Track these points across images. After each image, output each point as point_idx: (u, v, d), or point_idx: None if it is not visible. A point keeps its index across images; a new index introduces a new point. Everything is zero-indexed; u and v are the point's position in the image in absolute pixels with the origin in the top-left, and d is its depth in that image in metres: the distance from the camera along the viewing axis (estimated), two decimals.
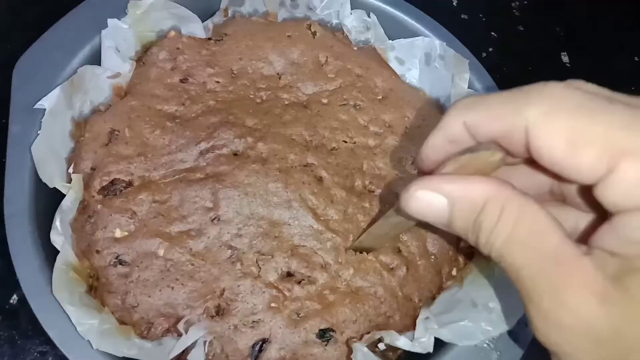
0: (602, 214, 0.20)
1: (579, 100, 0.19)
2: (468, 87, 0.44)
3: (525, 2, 0.64)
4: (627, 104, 0.19)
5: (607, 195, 0.19)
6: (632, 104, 0.19)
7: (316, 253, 0.37)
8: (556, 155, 0.20)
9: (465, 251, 0.41)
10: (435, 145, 0.25)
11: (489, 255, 0.22)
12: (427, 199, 0.23)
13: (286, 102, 0.43)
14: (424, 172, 0.27)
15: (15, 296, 0.40)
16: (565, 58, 0.61)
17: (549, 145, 0.20)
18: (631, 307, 0.19)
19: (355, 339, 0.35)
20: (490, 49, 0.60)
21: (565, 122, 0.19)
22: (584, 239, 0.22)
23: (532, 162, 0.22)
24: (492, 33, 0.61)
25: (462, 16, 0.62)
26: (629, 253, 0.19)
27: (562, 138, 0.19)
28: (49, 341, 0.38)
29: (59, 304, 0.31)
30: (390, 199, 0.40)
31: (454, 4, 0.63)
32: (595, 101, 0.19)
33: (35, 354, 0.38)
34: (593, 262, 0.20)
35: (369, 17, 0.47)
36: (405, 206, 0.24)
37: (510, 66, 0.58)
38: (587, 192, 0.21)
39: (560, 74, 0.60)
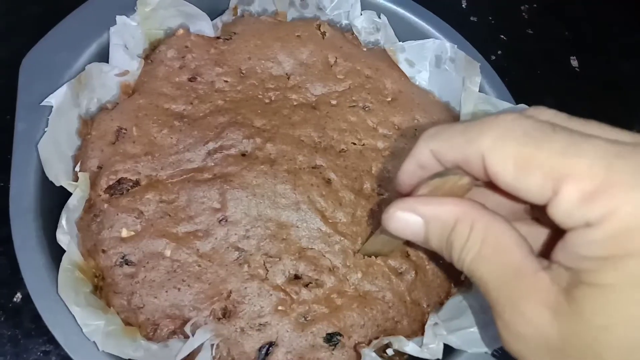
0: (561, 231, 0.22)
1: (526, 129, 0.21)
2: (479, 91, 0.43)
3: (535, 5, 0.64)
4: (569, 131, 0.21)
5: (555, 215, 0.21)
6: (573, 131, 0.21)
7: (324, 256, 0.37)
8: (508, 179, 0.22)
9: None
10: (409, 171, 0.28)
11: (462, 271, 0.25)
12: (404, 219, 0.26)
13: (295, 103, 0.43)
14: (401, 194, 0.29)
15: (18, 294, 0.40)
16: (574, 62, 0.61)
17: (501, 170, 0.22)
18: (578, 319, 0.20)
19: (362, 344, 0.35)
20: (499, 52, 0.59)
21: (513, 148, 0.21)
22: (549, 254, 0.23)
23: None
24: (501, 36, 0.61)
25: (472, 18, 0.62)
26: (579, 267, 0.20)
27: (511, 163, 0.21)
28: (52, 340, 0.38)
29: (64, 304, 0.31)
30: None
31: (463, 5, 0.62)
32: (541, 130, 0.21)
33: (39, 353, 0.38)
34: (550, 275, 0.21)
35: (379, 18, 0.46)
36: (386, 226, 0.27)
37: (518, 70, 0.58)
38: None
39: (569, 78, 0.60)
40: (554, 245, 0.22)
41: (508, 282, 0.22)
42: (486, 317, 0.34)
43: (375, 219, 0.39)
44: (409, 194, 0.27)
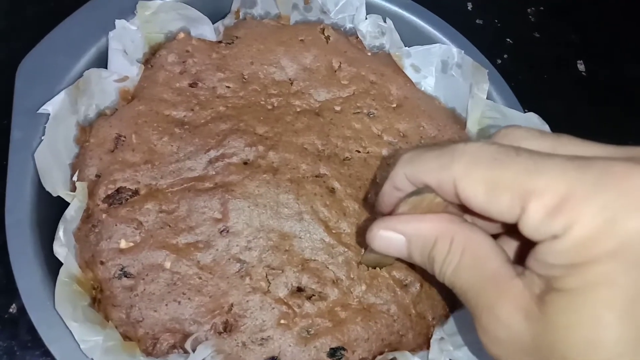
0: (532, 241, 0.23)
1: (492, 154, 0.23)
2: (486, 98, 0.42)
3: (541, 8, 0.63)
4: (531, 152, 0.23)
5: (525, 230, 0.22)
6: (535, 152, 0.23)
7: (327, 267, 0.36)
8: (479, 202, 0.23)
9: None
10: (387, 193, 0.29)
11: (444, 284, 0.26)
12: (387, 238, 0.27)
13: (298, 109, 0.42)
14: (382, 214, 0.31)
15: (14, 305, 0.39)
16: (581, 66, 0.60)
17: (472, 194, 0.23)
18: (546, 321, 0.21)
19: (367, 359, 0.34)
20: (505, 56, 0.58)
21: (482, 173, 0.23)
22: (523, 262, 0.25)
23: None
24: (507, 39, 0.60)
25: (477, 21, 0.60)
26: (549, 274, 0.22)
27: (481, 187, 0.23)
28: (48, 353, 0.36)
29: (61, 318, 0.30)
30: None
31: (468, 8, 0.61)
32: (505, 153, 0.23)
33: None
34: (523, 282, 0.23)
35: (385, 22, 0.45)
36: (371, 244, 0.28)
37: (525, 74, 0.57)
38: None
39: (575, 83, 0.59)
40: (527, 253, 0.23)
41: (485, 288, 0.24)
42: None
43: None
44: (390, 214, 0.29)
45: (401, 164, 0.27)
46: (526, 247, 0.26)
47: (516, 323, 0.22)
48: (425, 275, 0.37)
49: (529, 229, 0.22)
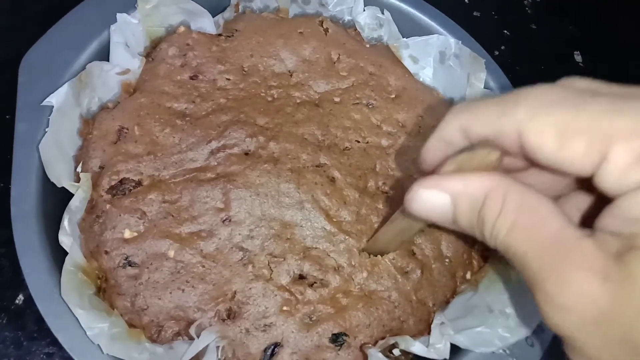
0: (604, 199, 0.21)
1: (563, 95, 0.20)
2: (484, 87, 0.43)
3: (538, 0, 0.63)
4: (611, 94, 0.20)
5: (605, 182, 0.20)
6: (614, 94, 0.20)
7: (329, 255, 0.36)
8: (549, 150, 0.21)
9: (479, 254, 0.40)
10: (433, 148, 0.26)
11: (495, 248, 0.23)
12: (430, 198, 0.24)
13: (298, 101, 0.42)
14: (425, 174, 0.27)
15: (21, 296, 0.39)
16: (578, 57, 0.60)
17: (540, 142, 0.21)
18: (632, 283, 0.19)
19: (368, 344, 0.35)
20: (503, 47, 0.59)
21: (552, 117, 0.20)
22: (589, 224, 0.22)
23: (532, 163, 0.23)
24: (505, 31, 0.60)
25: (475, 13, 0.61)
26: (630, 232, 0.20)
27: (551, 132, 0.20)
28: (55, 342, 0.37)
29: (68, 307, 0.30)
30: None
31: (466, 0, 0.62)
32: (579, 96, 0.20)
33: (42, 355, 0.37)
34: (595, 242, 0.20)
35: (383, 14, 0.46)
36: (409, 207, 0.25)
37: (522, 65, 0.57)
38: (587, 181, 0.21)
39: (573, 74, 0.60)
40: (595, 216, 0.21)
41: (549, 251, 0.21)
42: (493, 316, 0.34)
43: (380, 217, 0.38)
44: (431, 173, 0.26)
45: (454, 113, 0.24)
46: (591, 210, 0.24)
47: (591, 287, 0.19)
48: (426, 262, 0.38)
49: (610, 178, 0.19)
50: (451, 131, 0.25)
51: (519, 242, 0.21)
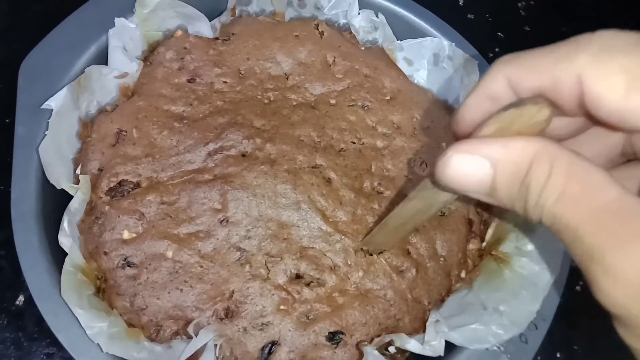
0: None
1: (631, 40, 0.18)
2: None
3: (532, 2, 0.64)
4: None
5: None
6: None
7: (325, 255, 0.37)
8: (614, 100, 0.18)
9: (474, 253, 0.41)
10: (474, 104, 0.23)
11: (539, 221, 0.21)
12: (466, 164, 0.21)
13: (294, 103, 0.43)
14: (459, 137, 0.24)
15: (21, 297, 0.40)
16: None
17: (605, 90, 0.18)
18: None
19: (365, 342, 0.35)
20: (497, 49, 0.59)
21: (620, 62, 0.18)
22: None
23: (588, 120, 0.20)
24: (499, 33, 0.61)
25: (469, 16, 0.62)
26: None
27: (619, 80, 0.18)
28: (55, 343, 0.38)
29: (68, 306, 0.31)
30: (399, 201, 0.40)
31: (460, 3, 0.62)
32: None
33: (42, 355, 0.38)
34: None
35: (377, 17, 0.47)
36: (442, 174, 0.22)
37: None
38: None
39: None
40: None
41: (606, 222, 0.19)
42: (487, 313, 0.35)
43: (376, 217, 0.39)
44: (467, 137, 0.23)
45: (501, 63, 0.22)
46: None
47: None
48: (421, 261, 0.38)
49: None
50: (496, 84, 0.22)
51: (570, 213, 0.19)
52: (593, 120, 0.20)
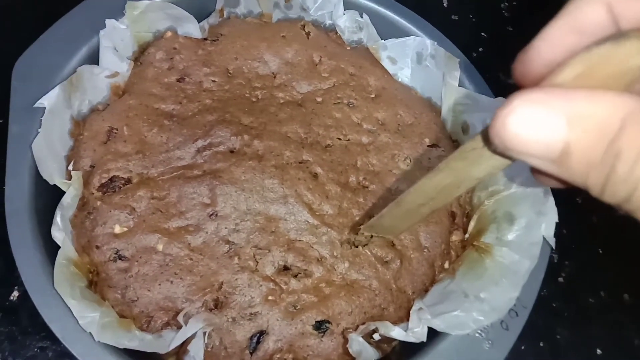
0: None
1: None
2: (458, 85, 0.45)
3: (514, 3, 0.66)
4: None
5: None
6: None
7: (312, 247, 0.38)
8: None
9: (456, 245, 0.42)
10: (554, 38, 0.18)
11: (624, 200, 0.16)
12: (535, 119, 0.16)
13: (281, 101, 0.44)
14: (525, 83, 0.20)
15: (15, 293, 0.40)
16: None
17: None
18: None
19: (350, 330, 0.36)
20: (480, 49, 0.61)
21: None
22: None
23: None
24: (482, 33, 0.63)
25: (453, 17, 0.63)
26: None
27: None
28: (48, 337, 0.39)
29: (61, 298, 0.32)
30: (383, 194, 0.41)
31: (444, 4, 0.64)
32: None
33: (36, 349, 0.39)
34: None
35: (362, 17, 0.48)
36: (501, 129, 0.16)
37: (500, 66, 0.59)
38: None
39: None
40: None
41: None
42: (469, 301, 0.36)
43: (362, 211, 0.40)
44: (534, 84, 0.18)
45: None
46: None
47: None
48: (405, 253, 0.40)
49: None
50: (592, 11, 0.17)
51: None
52: None
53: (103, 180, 0.38)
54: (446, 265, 0.41)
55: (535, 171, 0.19)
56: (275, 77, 0.45)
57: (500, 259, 0.37)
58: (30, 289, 0.33)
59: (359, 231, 0.37)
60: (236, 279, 0.36)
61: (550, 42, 0.19)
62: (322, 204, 0.39)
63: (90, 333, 0.31)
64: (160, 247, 0.36)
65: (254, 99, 0.44)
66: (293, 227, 0.38)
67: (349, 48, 0.49)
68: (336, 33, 0.49)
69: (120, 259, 0.36)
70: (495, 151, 0.18)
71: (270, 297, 0.36)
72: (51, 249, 0.34)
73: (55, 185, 0.36)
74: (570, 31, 0.18)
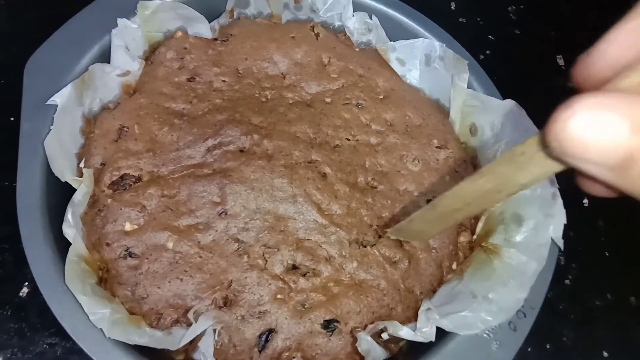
0: None
1: None
2: (467, 87, 0.45)
3: (522, 7, 0.66)
4: None
5: None
6: None
7: (320, 246, 0.38)
8: None
9: (464, 246, 0.42)
10: (620, 40, 0.18)
11: None
12: (596, 124, 0.15)
13: (290, 101, 0.44)
14: (586, 87, 0.19)
15: (24, 289, 0.41)
16: (560, 61, 0.63)
17: None
18: None
19: (359, 329, 0.36)
20: (488, 52, 0.61)
21: None
22: None
23: None
24: (489, 36, 0.63)
25: (460, 19, 0.63)
26: None
27: None
28: (57, 333, 0.39)
29: (72, 294, 0.32)
30: (392, 195, 0.41)
31: (452, 7, 0.64)
32: None
33: (45, 345, 0.39)
34: None
35: (371, 19, 0.48)
36: (560, 133, 0.16)
37: (506, 68, 0.59)
38: None
39: (555, 76, 0.62)
40: None
41: None
42: (477, 302, 0.36)
43: (370, 211, 0.40)
44: (594, 88, 0.17)
45: None
46: None
47: None
48: (414, 253, 0.40)
49: None
50: None
51: None
52: None
53: (114, 178, 0.38)
54: (454, 266, 0.41)
55: (582, 177, 0.18)
56: (284, 77, 0.46)
57: (508, 260, 0.37)
58: (41, 285, 0.33)
59: (385, 234, 0.37)
60: (245, 277, 0.36)
61: (617, 45, 0.18)
62: (330, 204, 0.40)
63: (101, 329, 0.31)
64: (170, 244, 0.36)
65: (263, 99, 0.44)
66: (302, 226, 0.39)
67: (357, 49, 0.49)
68: (345, 34, 0.50)
69: (130, 256, 0.36)
70: (550, 155, 0.17)
71: (279, 296, 0.36)
72: (62, 245, 0.34)
73: (66, 182, 0.36)
74: (637, 33, 0.17)
